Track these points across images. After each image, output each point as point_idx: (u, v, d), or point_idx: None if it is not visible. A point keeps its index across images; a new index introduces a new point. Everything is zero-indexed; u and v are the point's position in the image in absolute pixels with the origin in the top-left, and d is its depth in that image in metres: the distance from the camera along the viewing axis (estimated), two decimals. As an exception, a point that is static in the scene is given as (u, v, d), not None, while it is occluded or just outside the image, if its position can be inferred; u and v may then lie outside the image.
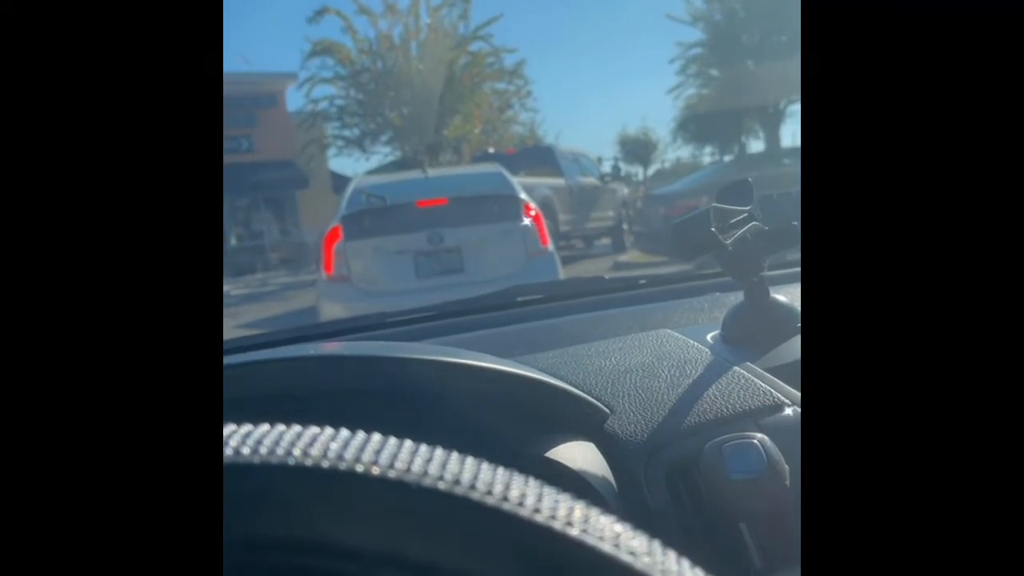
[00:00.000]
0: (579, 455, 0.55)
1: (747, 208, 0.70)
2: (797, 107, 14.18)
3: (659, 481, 0.55)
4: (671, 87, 16.23)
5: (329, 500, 0.24)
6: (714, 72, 15.15)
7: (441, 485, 0.24)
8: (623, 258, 9.28)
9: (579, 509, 0.25)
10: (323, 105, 14.95)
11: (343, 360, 0.55)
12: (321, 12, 13.82)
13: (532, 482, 0.26)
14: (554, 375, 0.64)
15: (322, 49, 14.06)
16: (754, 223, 0.70)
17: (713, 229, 0.64)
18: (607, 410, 0.61)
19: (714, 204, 0.67)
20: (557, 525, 0.24)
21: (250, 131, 17.22)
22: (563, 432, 0.57)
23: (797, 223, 0.70)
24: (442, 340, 0.91)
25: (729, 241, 0.65)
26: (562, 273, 4.63)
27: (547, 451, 0.54)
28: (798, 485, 0.52)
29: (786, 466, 0.52)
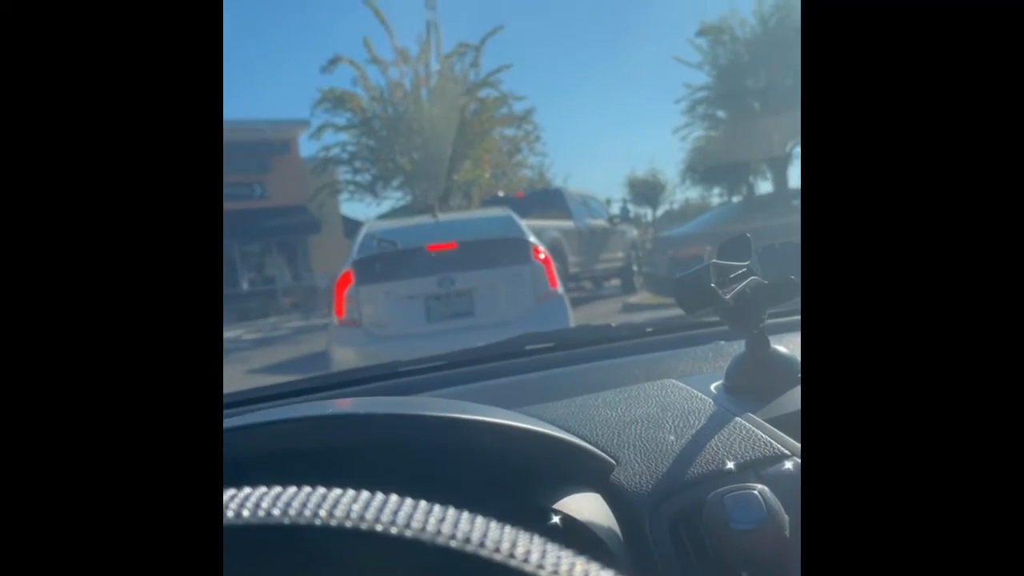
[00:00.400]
0: (586, 507, 0.57)
1: (746, 263, 0.73)
2: (805, 148, 14.21)
3: (663, 531, 0.56)
4: (677, 127, 16.42)
5: (352, 558, 0.26)
6: (721, 114, 15.34)
7: (453, 543, 0.26)
8: (632, 299, 9.29)
9: (580, 564, 0.27)
10: (335, 151, 15.19)
11: (358, 418, 0.57)
12: (334, 61, 14.14)
13: (537, 539, 0.28)
14: (562, 426, 0.66)
15: (334, 98, 14.33)
16: (753, 277, 0.72)
17: (713, 285, 0.67)
18: (613, 461, 0.63)
19: (713, 260, 0.69)
20: (560, 581, 0.26)
21: (263, 177, 17.52)
22: (570, 484, 0.59)
23: (796, 276, 0.72)
24: (453, 391, 0.93)
25: (729, 296, 0.68)
26: (572, 315, 4.64)
27: (555, 503, 0.56)
28: (798, 535, 0.53)
29: (786, 516, 0.54)
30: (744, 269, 0.73)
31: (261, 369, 6.85)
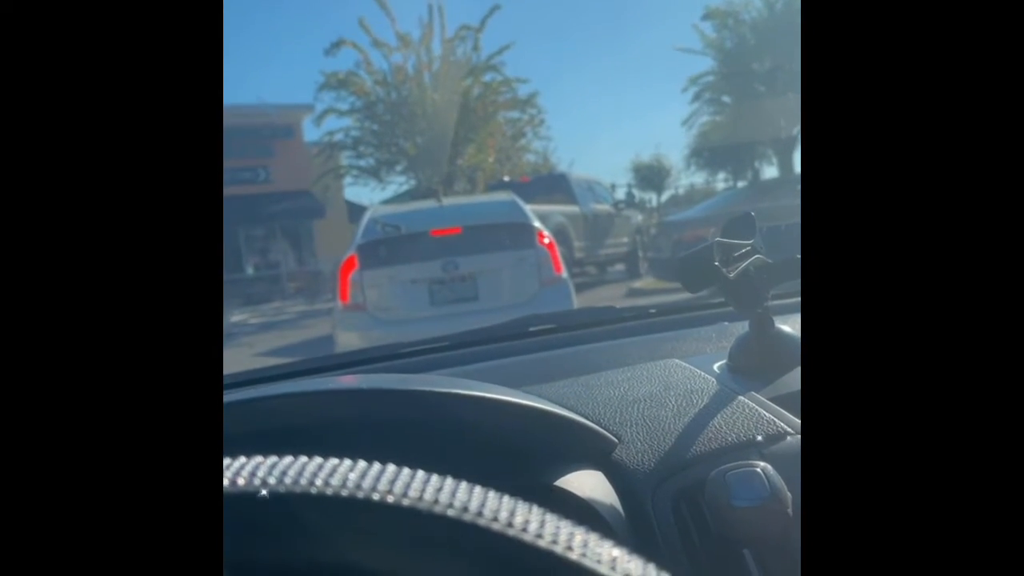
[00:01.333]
0: (587, 484, 0.57)
1: (750, 242, 0.72)
2: (810, 133, 14.14)
3: (665, 509, 0.56)
4: (685, 117, 16.35)
5: (348, 526, 0.26)
6: (726, 99, 15.24)
7: (451, 512, 0.26)
8: (637, 284, 9.28)
9: (579, 535, 0.27)
10: (339, 136, 15.17)
11: (357, 393, 0.57)
12: (337, 44, 14.07)
13: (536, 509, 0.28)
14: (564, 405, 0.66)
15: (337, 82, 14.29)
16: (757, 256, 0.72)
17: (716, 263, 0.66)
18: (615, 439, 0.62)
19: (717, 239, 0.69)
20: (558, 549, 0.26)
21: (267, 162, 17.49)
22: (572, 461, 0.59)
23: (798, 254, 0.72)
24: (455, 370, 0.93)
25: (732, 274, 0.67)
26: (576, 300, 4.64)
27: (557, 480, 0.56)
28: (799, 513, 0.53)
29: (788, 494, 0.54)
30: (748, 248, 0.72)
31: (265, 353, 6.87)
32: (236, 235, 17.03)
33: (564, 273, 4.67)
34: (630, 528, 0.56)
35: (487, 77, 14.82)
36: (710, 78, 14.97)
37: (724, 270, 0.67)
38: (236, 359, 6.01)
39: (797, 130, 13.89)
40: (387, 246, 4.58)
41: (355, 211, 13.95)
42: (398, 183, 15.49)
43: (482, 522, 0.26)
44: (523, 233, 4.65)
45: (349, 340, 4.40)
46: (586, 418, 0.64)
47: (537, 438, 0.59)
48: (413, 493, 0.26)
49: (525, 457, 0.58)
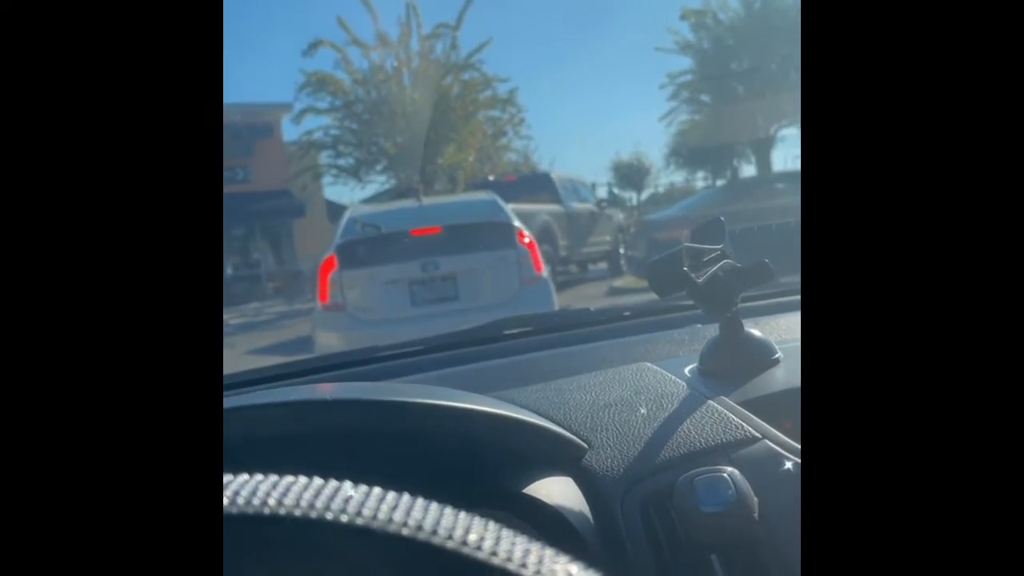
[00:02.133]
0: (556, 491, 0.57)
1: (719, 246, 0.73)
2: (788, 132, 14.29)
3: (634, 515, 0.57)
4: (663, 114, 16.42)
5: (301, 546, 0.26)
6: (705, 98, 15.33)
7: (405, 531, 0.26)
8: (618, 283, 9.31)
9: (535, 551, 0.27)
10: (318, 135, 15.08)
11: (324, 404, 0.57)
12: (315, 44, 13.98)
13: (492, 525, 0.28)
14: (536, 410, 0.66)
15: (316, 81, 14.20)
16: (726, 260, 0.72)
17: (685, 268, 0.67)
18: (585, 445, 0.63)
19: (686, 244, 0.69)
20: (512, 567, 0.26)
21: (246, 161, 17.33)
22: (542, 468, 0.59)
23: (769, 255, 0.72)
24: (430, 375, 0.93)
25: (701, 279, 0.68)
26: (556, 299, 4.65)
27: (526, 487, 0.56)
28: (766, 518, 0.54)
29: (755, 499, 0.54)
30: (717, 252, 0.73)
31: (245, 354, 6.81)
32: (215, 235, 16.80)
33: (545, 272, 4.68)
34: (599, 534, 0.56)
35: (466, 75, 14.80)
36: (688, 77, 15.05)
37: (693, 275, 0.67)
38: (214, 361, 5.92)
39: (775, 129, 14.02)
40: (367, 246, 4.56)
41: (335, 210, 13.88)
42: (378, 182, 15.44)
43: (436, 541, 0.26)
44: (504, 232, 4.64)
45: (329, 341, 4.38)
46: (557, 424, 0.64)
47: (506, 446, 0.59)
48: (367, 512, 0.26)
49: (494, 465, 0.58)
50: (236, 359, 6.45)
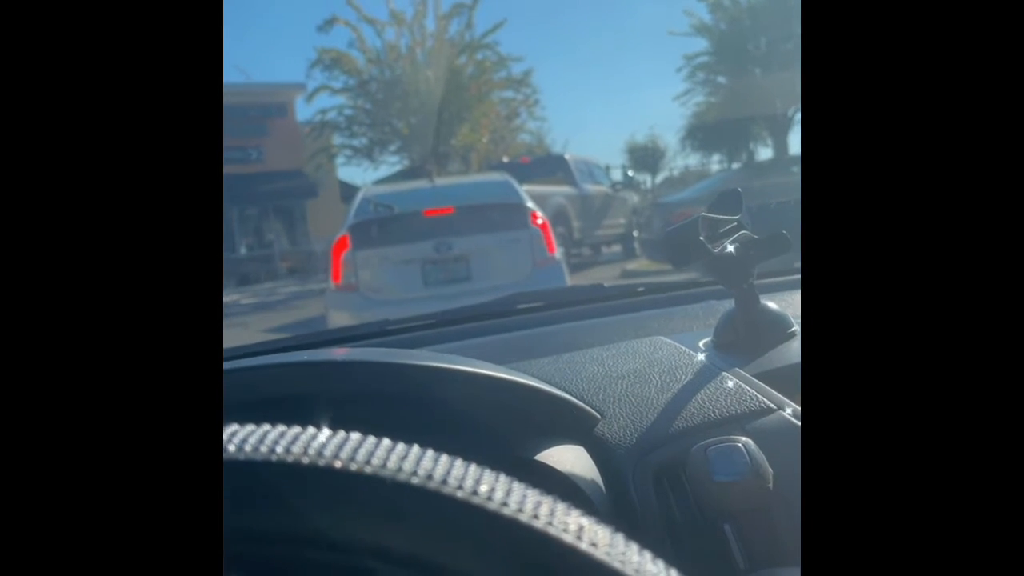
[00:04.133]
0: (568, 458, 0.57)
1: (736, 217, 0.72)
2: (805, 114, 14.09)
3: (646, 483, 0.56)
4: (678, 94, 16.27)
5: (311, 494, 0.25)
6: (721, 80, 15.16)
7: (415, 480, 0.25)
8: (631, 266, 9.29)
9: (546, 503, 0.26)
10: (331, 115, 15.06)
11: (339, 365, 0.56)
12: (330, 21, 13.94)
13: (503, 478, 0.27)
14: (548, 381, 0.66)
15: (330, 60, 14.17)
16: (743, 232, 0.71)
17: (702, 238, 0.66)
18: (598, 415, 0.62)
19: (703, 213, 0.68)
20: (523, 518, 0.25)
21: (260, 141, 17.35)
22: (554, 436, 0.59)
23: (786, 231, 0.71)
24: (443, 347, 0.92)
25: (718, 249, 0.67)
26: (569, 281, 4.64)
27: (537, 454, 0.56)
28: (780, 487, 0.53)
29: (769, 469, 0.53)
30: (734, 223, 0.72)
31: (259, 333, 6.85)
32: (229, 215, 16.92)
33: (558, 254, 4.66)
34: (611, 502, 0.56)
35: (480, 56, 14.71)
36: (705, 58, 14.89)
37: (710, 245, 0.66)
38: (229, 338, 5.98)
39: (793, 111, 13.87)
40: (379, 226, 4.56)
41: (348, 191, 13.90)
42: (391, 163, 15.44)
43: (447, 490, 0.25)
44: (516, 213, 4.63)
45: (341, 320, 4.39)
46: (569, 393, 0.63)
47: (519, 412, 0.59)
48: (376, 461, 0.26)
49: (506, 431, 0.57)
50: (249, 339, 6.48)
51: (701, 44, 14.79)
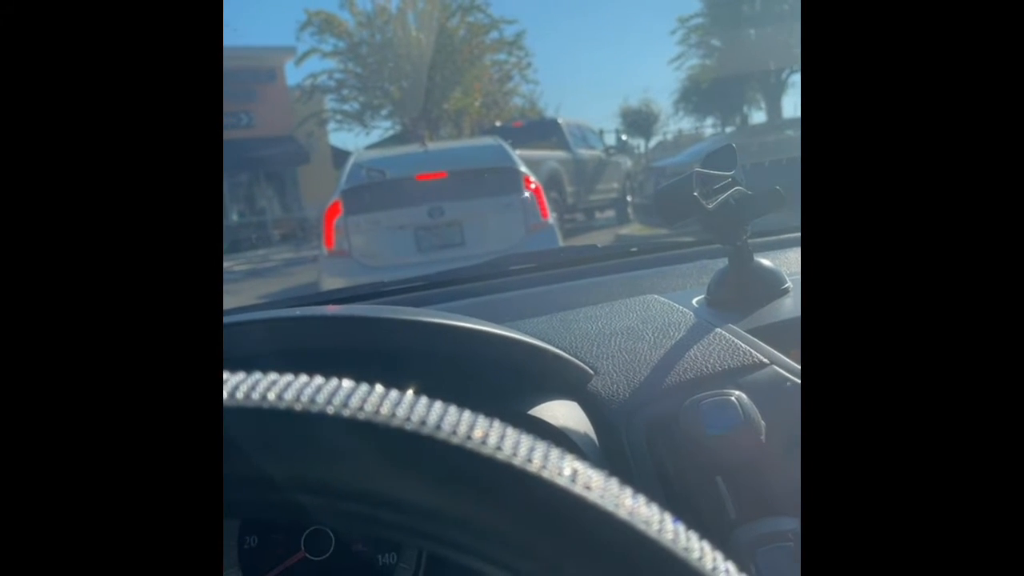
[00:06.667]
0: (561, 413, 0.57)
1: (730, 173, 0.71)
2: (799, 77, 14.01)
3: (639, 437, 0.57)
4: (672, 57, 16.11)
5: (300, 440, 0.25)
6: (715, 42, 15.00)
7: (408, 426, 0.25)
8: (624, 231, 9.27)
9: (540, 448, 0.26)
10: (322, 79, 14.87)
11: (332, 320, 0.56)
12: (319, -17, 13.69)
13: (497, 423, 0.27)
14: (541, 338, 0.66)
15: (320, 22, 13.94)
16: (737, 188, 0.71)
17: (696, 194, 0.65)
18: (591, 371, 0.62)
19: (697, 169, 0.67)
20: (517, 462, 0.25)
21: (249, 106, 17.11)
22: (547, 392, 0.59)
23: (780, 187, 0.71)
24: (436, 308, 0.92)
25: (711, 205, 0.66)
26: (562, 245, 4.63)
27: (530, 409, 0.56)
28: (773, 440, 0.54)
29: (761, 422, 0.54)
30: (729, 179, 0.71)
31: (252, 300, 6.84)
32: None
33: (552, 219, 4.65)
34: (603, 456, 0.56)
35: (472, 17, 14.50)
36: (699, 20, 14.71)
37: (703, 201, 0.66)
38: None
39: (787, 73, 13.75)
40: (372, 191, 4.53)
41: (340, 157, 13.75)
42: (383, 128, 15.28)
43: (440, 435, 0.25)
44: (509, 178, 4.60)
45: (334, 286, 4.38)
46: (563, 350, 0.64)
47: (512, 368, 0.59)
48: (369, 407, 0.26)
49: (501, 387, 0.57)
50: (244, 304, 6.47)
51: (695, 5, 14.62)
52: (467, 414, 0.27)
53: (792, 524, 0.51)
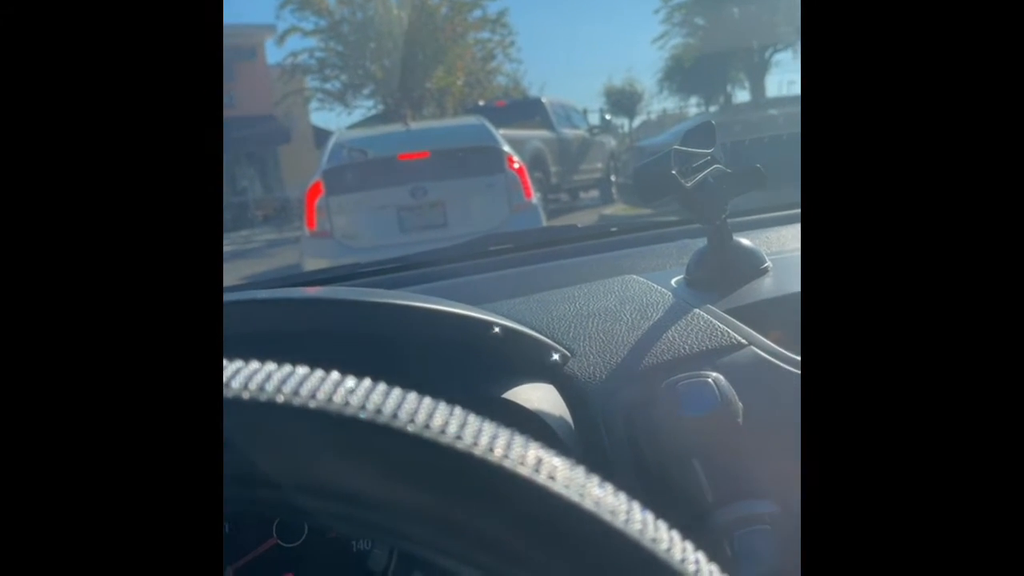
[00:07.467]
0: (536, 396, 0.56)
1: (709, 151, 0.70)
2: (782, 56, 14.03)
3: (616, 420, 0.56)
4: (656, 36, 16.04)
5: (247, 429, 0.24)
6: (699, 21, 14.94)
7: (363, 415, 0.24)
8: (608, 211, 9.26)
9: (503, 437, 0.25)
10: (303, 58, 14.68)
11: (303, 303, 0.55)
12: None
13: (458, 411, 0.26)
14: (518, 320, 0.65)
15: (300, 1, 13.74)
16: (716, 166, 0.70)
17: (674, 172, 0.64)
18: (568, 353, 0.61)
19: (675, 147, 0.66)
20: (477, 452, 0.24)
21: (229, 86, 16.84)
22: (523, 375, 0.58)
23: (761, 166, 0.70)
24: (412, 289, 0.91)
25: (690, 184, 0.65)
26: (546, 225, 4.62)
27: (504, 393, 0.55)
28: (750, 422, 0.53)
29: (739, 404, 0.53)
30: (708, 158, 0.70)
31: (235, 281, 6.78)
32: (200, 162, 16.51)
33: (535, 199, 4.63)
34: (579, 439, 0.55)
35: (455, -4, 14.34)
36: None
37: (682, 180, 0.64)
38: (203, 288, 5.91)
39: (770, 53, 13.73)
40: (354, 171, 4.49)
41: (321, 136, 13.61)
42: (365, 107, 15.13)
43: (396, 425, 0.24)
44: (493, 157, 4.57)
45: (316, 267, 4.34)
46: (539, 332, 0.62)
47: (486, 351, 0.58)
48: (321, 396, 0.24)
49: (473, 369, 0.56)
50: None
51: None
52: (427, 401, 0.26)
53: (769, 507, 0.50)
